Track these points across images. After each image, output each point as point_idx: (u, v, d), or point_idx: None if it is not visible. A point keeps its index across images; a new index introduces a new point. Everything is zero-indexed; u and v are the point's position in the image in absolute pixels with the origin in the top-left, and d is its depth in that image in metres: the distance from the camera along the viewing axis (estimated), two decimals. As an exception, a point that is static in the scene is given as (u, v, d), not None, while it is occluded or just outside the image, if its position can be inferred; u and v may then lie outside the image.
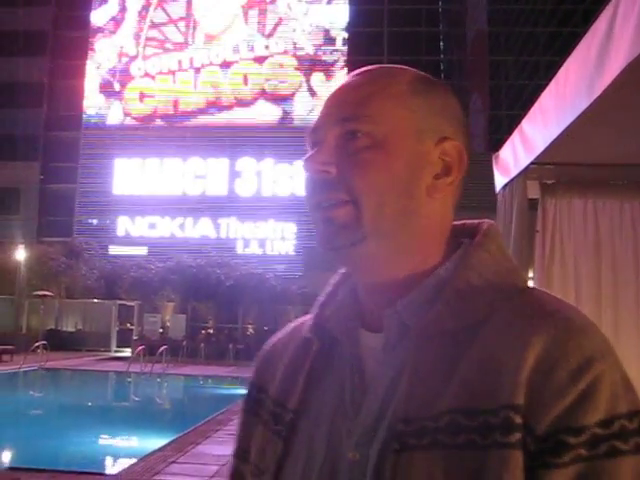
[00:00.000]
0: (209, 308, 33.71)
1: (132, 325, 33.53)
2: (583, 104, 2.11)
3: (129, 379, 21.23)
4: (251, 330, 33.88)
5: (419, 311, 0.78)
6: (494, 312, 0.76)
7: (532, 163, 2.93)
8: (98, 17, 44.35)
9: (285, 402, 0.86)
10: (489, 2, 41.74)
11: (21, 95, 42.87)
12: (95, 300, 33.62)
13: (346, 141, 0.80)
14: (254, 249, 39.19)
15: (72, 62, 43.52)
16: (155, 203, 40.14)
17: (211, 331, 33.80)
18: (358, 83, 0.83)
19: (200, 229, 39.89)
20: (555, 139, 2.53)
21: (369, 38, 42.63)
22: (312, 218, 0.84)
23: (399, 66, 0.87)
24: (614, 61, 1.80)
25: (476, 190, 4.21)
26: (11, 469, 8.04)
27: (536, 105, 2.81)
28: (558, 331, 0.71)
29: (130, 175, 41.15)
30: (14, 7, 43.45)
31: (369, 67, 0.86)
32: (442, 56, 44.33)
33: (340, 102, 0.82)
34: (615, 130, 2.60)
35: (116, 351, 31.70)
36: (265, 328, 32.15)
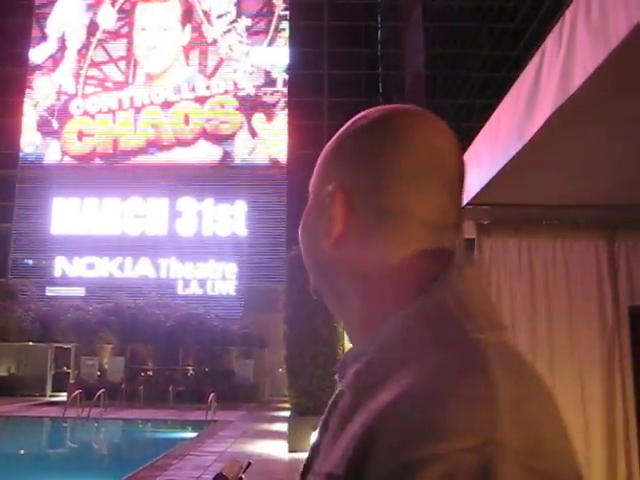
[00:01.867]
0: (149, 350, 33.10)
1: (69, 368, 32.66)
2: (515, 148, 2.20)
3: (65, 425, 20.63)
4: (191, 372, 33.37)
5: (346, 368, 0.77)
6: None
7: (467, 204, 3.02)
8: (37, 54, 43.86)
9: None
10: (427, 46, 42.89)
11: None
12: (30, 343, 32.67)
13: None
14: (194, 289, 38.79)
15: (9, 99, 42.80)
16: (94, 243, 39.44)
17: (151, 373, 33.16)
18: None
19: (139, 269, 39.31)
20: (489, 181, 2.63)
21: (309, 80, 43.23)
22: None
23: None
24: (541, 108, 1.89)
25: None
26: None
27: (470, 148, 2.91)
28: (396, 398, 0.64)
29: (68, 214, 40.41)
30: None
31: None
32: (381, 98, 45.14)
33: None
34: (546, 172, 2.71)
35: (52, 396, 30.82)
36: (206, 369, 31.75)
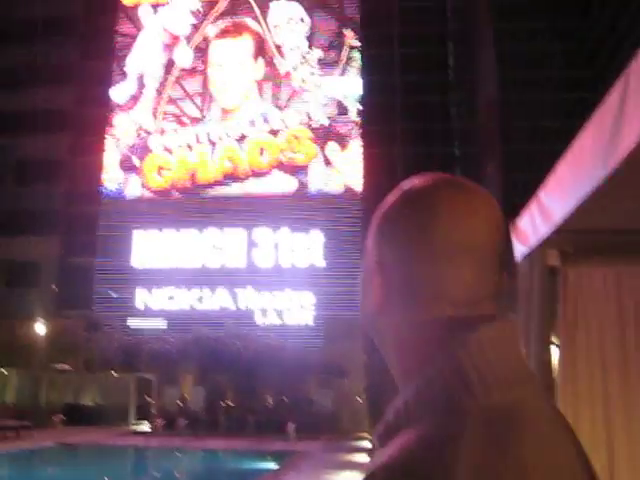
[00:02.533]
0: (228, 380, 33.40)
1: (151, 398, 33.25)
2: (600, 175, 2.13)
3: (148, 454, 20.96)
4: (270, 402, 33.46)
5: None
6: None
7: (551, 233, 2.94)
8: (117, 94, 45.60)
9: None
10: (499, 70, 42.49)
11: (42, 171, 43.82)
12: (114, 373, 33.48)
13: None
14: (273, 319, 39.04)
15: (92, 138, 44.53)
16: (173, 275, 40.35)
17: (230, 403, 33.43)
18: None
19: (218, 300, 39.86)
20: (573, 208, 2.55)
21: (382, 108, 43.30)
22: None
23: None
24: (627, 135, 1.83)
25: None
26: None
27: (552, 174, 2.84)
28: (386, 458, 0.75)
29: (148, 247, 41.53)
30: (37, 87, 44.85)
31: None
32: (454, 123, 44.83)
33: None
34: (635, 198, 2.61)
35: (135, 425, 31.38)
36: (285, 399, 31.79)
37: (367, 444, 19.19)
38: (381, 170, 39.31)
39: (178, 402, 31.86)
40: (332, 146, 42.11)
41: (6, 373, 31.11)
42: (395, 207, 0.89)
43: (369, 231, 0.93)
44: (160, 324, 38.53)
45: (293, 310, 39.15)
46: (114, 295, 41.50)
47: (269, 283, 39.54)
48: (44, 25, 46.77)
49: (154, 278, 40.49)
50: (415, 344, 0.85)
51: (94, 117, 44.78)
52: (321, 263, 40.10)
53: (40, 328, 30.73)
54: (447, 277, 0.83)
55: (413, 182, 0.90)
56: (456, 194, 0.86)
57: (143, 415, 31.73)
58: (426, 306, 0.84)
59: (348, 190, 41.59)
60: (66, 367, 33.36)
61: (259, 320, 38.75)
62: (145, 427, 28.57)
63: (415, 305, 0.85)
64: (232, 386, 33.82)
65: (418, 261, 0.84)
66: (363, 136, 41.92)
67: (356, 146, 42.06)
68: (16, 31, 47.53)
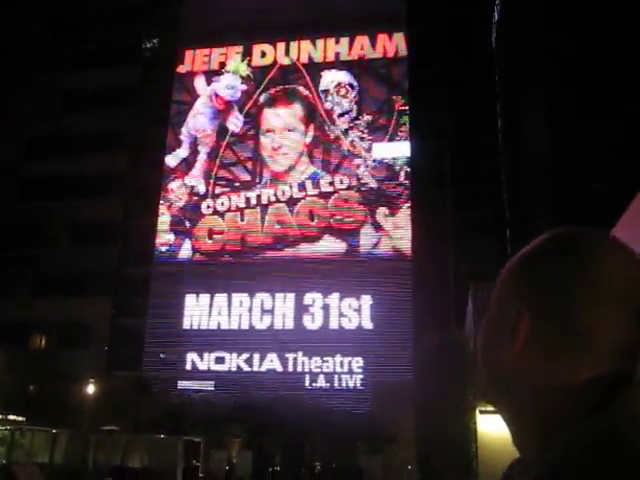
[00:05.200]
0: (276, 445, 32.97)
1: (198, 462, 32.96)
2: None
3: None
4: (319, 468, 32.84)
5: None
6: None
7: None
8: (171, 159, 46.83)
9: None
10: (548, 133, 42.39)
11: (97, 234, 44.90)
12: (162, 435, 33.37)
13: None
14: (321, 383, 38.70)
15: (146, 202, 45.59)
16: (223, 337, 40.52)
17: (278, 469, 32.91)
18: None
19: (267, 363, 39.77)
20: None
21: (431, 172, 43.41)
22: None
23: None
24: None
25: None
26: None
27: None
28: None
29: (199, 310, 41.89)
30: (95, 153, 46.40)
31: None
32: (503, 187, 44.61)
33: None
34: None
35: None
36: (333, 465, 31.18)
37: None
38: (431, 234, 39.22)
39: (225, 467, 31.50)
40: (382, 210, 42.29)
41: (55, 432, 31.21)
42: (549, 253, 0.87)
43: (502, 280, 0.91)
44: (208, 386, 38.51)
45: (342, 374, 38.79)
46: (163, 356, 41.73)
47: (318, 346, 39.34)
48: (104, 94, 48.54)
49: (204, 340, 40.70)
50: (564, 397, 0.81)
51: (149, 182, 45.97)
52: (369, 326, 39.85)
53: (90, 388, 30.95)
54: (601, 325, 0.81)
55: (561, 231, 0.89)
56: (611, 243, 0.86)
57: (190, 479, 31.41)
58: (578, 353, 0.81)
59: (397, 253, 41.51)
60: (114, 428, 33.40)
61: (307, 384, 38.48)
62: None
63: (566, 353, 0.81)
64: (280, 451, 33.36)
65: (576, 309, 0.82)
66: (412, 200, 42.01)
67: (405, 210, 42.15)
68: (77, 100, 49.51)
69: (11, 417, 31.41)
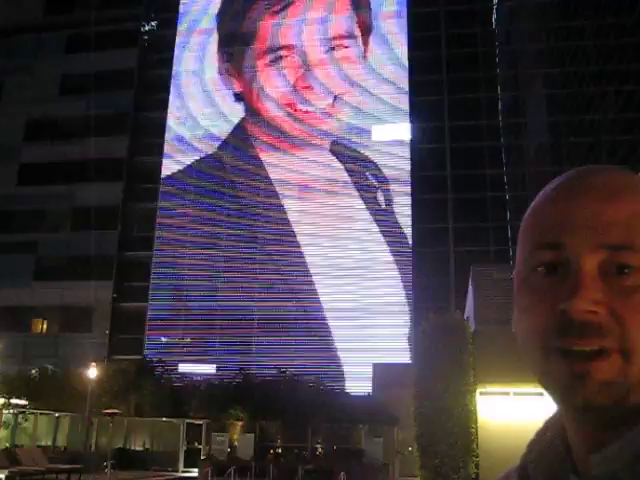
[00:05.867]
0: (278, 427, 33.09)
1: (200, 444, 33.13)
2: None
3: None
4: (320, 450, 32.97)
5: (635, 464, 0.66)
6: None
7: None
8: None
9: None
10: (548, 114, 42.21)
11: (97, 218, 44.86)
12: (164, 418, 33.51)
13: (613, 275, 0.69)
14: (323, 365, 38.85)
15: (145, 185, 45.56)
16: (226, 321, 40.68)
17: (280, 451, 33.05)
18: (616, 195, 0.71)
19: (269, 345, 39.95)
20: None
21: (431, 153, 43.29)
22: (544, 362, 0.72)
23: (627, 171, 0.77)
24: None
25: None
26: None
27: None
28: None
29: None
30: (94, 136, 46.28)
31: (602, 170, 0.76)
32: (505, 169, 44.52)
33: (599, 219, 0.70)
34: None
35: (184, 471, 31.24)
36: (335, 448, 31.29)
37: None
38: (431, 215, 39.30)
39: (227, 449, 31.65)
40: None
41: (57, 415, 31.38)
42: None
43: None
44: (210, 369, 38.64)
45: (344, 357, 38.93)
46: (165, 340, 41.84)
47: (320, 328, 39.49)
48: (103, 77, 48.30)
49: (204, 325, 40.81)
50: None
51: (148, 166, 45.92)
52: (370, 306, 39.92)
53: (92, 372, 31.02)
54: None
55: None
56: (563, 175, 0.80)
57: (192, 461, 31.59)
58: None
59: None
60: (116, 411, 33.53)
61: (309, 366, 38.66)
62: (194, 473, 28.40)
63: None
64: (282, 433, 33.49)
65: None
66: (413, 181, 42.00)
67: (405, 190, 42.19)
68: (75, 83, 49.27)
69: (14, 401, 31.51)
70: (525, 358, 0.74)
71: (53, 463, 24.10)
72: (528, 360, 0.74)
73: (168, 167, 46.57)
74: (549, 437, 0.80)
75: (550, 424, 0.82)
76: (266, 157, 44.78)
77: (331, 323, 39.78)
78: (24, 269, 44.89)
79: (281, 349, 39.62)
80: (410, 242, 40.96)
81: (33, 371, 36.59)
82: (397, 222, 41.73)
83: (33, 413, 30.75)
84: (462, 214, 40.83)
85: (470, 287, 17.19)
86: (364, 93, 44.72)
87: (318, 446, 33.31)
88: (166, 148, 46.96)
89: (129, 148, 47.32)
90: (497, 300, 15.50)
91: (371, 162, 43.26)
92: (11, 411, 30.63)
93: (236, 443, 32.95)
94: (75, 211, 46.17)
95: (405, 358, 32.80)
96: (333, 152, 44.03)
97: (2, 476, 20.78)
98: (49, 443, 31.63)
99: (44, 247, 45.62)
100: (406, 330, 36.50)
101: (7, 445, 26.40)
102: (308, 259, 41.43)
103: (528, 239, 0.76)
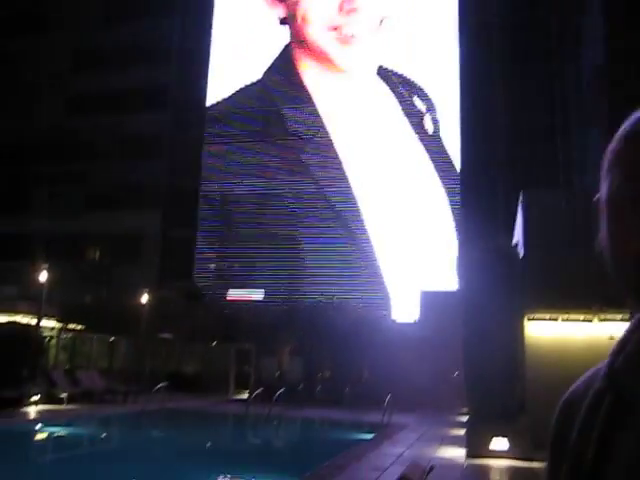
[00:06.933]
0: (326, 351, 33.66)
1: (249, 368, 33.94)
2: None
3: (247, 421, 21.44)
4: (367, 373, 33.51)
5: None
6: None
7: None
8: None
9: (584, 454, 0.79)
10: (604, 37, 40.52)
11: (146, 147, 45.17)
12: (214, 343, 34.32)
13: None
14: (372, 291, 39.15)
15: (191, 115, 45.58)
16: (272, 248, 41.09)
17: (327, 374, 33.69)
18: None
19: (317, 270, 40.30)
20: None
21: (481, 74, 42.06)
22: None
23: None
24: None
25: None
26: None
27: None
28: None
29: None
30: (139, 64, 46.17)
31: None
32: (560, 93, 43.13)
33: None
34: None
35: (234, 394, 32.10)
36: (382, 371, 31.76)
37: (463, 418, 19.01)
38: (480, 138, 38.54)
39: (276, 372, 32.39)
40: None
41: (112, 339, 32.36)
42: None
43: None
44: (258, 295, 39.26)
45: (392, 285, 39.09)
46: (213, 267, 42.51)
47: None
48: (146, 6, 47.87)
49: (254, 251, 41.27)
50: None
51: (195, 94, 45.82)
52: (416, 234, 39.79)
53: (144, 298, 31.77)
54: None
55: None
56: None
57: (242, 384, 32.42)
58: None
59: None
60: (169, 336, 34.46)
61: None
62: (244, 396, 29.18)
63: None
64: (330, 357, 34.06)
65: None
66: (462, 102, 41.06)
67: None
68: (122, 11, 48.90)
69: (71, 326, 32.55)
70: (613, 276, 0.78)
71: (111, 384, 25.05)
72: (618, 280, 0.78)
73: (214, 95, 46.40)
74: (633, 346, 0.80)
75: (632, 332, 0.83)
76: (312, 83, 44.20)
77: (377, 250, 39.83)
78: (75, 199, 45.70)
79: (328, 275, 39.92)
80: (458, 167, 40.43)
81: (88, 297, 37.71)
82: (444, 147, 41.12)
83: (90, 337, 31.76)
84: (512, 138, 39.94)
85: (519, 212, 16.91)
86: (411, 15, 43.51)
87: (365, 370, 33.86)
88: (211, 76, 46.69)
89: (175, 77, 47.15)
90: (547, 226, 15.25)
91: (418, 86, 42.41)
92: (70, 335, 31.66)
93: (284, 366, 33.70)
94: (123, 141, 46.49)
95: (453, 285, 32.74)
96: (380, 76, 43.23)
97: (65, 395, 21.69)
98: (105, 365, 32.74)
99: (94, 177, 46.25)
100: (454, 257, 36.31)
101: (67, 367, 27.39)
102: (354, 185, 41.24)
103: (619, 166, 0.80)
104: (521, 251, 15.97)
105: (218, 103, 46.15)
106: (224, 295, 39.50)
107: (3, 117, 48.13)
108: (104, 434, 19.75)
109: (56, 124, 47.69)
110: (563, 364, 14.29)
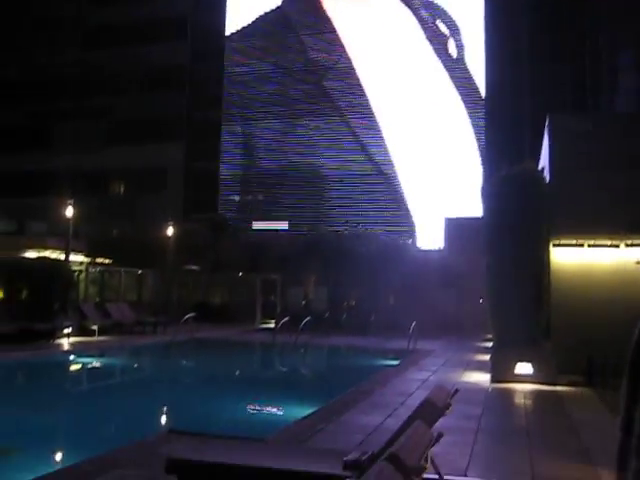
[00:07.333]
0: (351, 280, 33.82)
1: (276, 298, 34.29)
2: None
3: (275, 349, 21.79)
4: (392, 301, 33.72)
5: None
6: None
7: None
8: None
9: None
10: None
11: (167, 79, 44.81)
12: (240, 274, 34.62)
13: None
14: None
15: (211, 45, 44.93)
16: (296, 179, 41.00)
17: (353, 303, 33.96)
18: None
19: (340, 201, 40.24)
20: None
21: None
22: None
23: None
24: None
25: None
26: (171, 431, 8.36)
27: None
28: None
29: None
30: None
31: None
32: (590, 12, 41.68)
33: None
34: None
35: (261, 323, 32.55)
36: (407, 299, 31.95)
37: (488, 344, 19.14)
38: (505, 60, 37.61)
39: (302, 301, 32.71)
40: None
41: (140, 272, 32.77)
42: None
43: None
44: (283, 225, 39.40)
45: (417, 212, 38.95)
46: (237, 199, 42.58)
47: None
48: None
49: (278, 181, 41.22)
50: None
51: (214, 24, 45.05)
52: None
53: (169, 230, 31.97)
54: None
55: None
56: None
57: (268, 314, 32.81)
58: None
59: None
60: (195, 268, 34.81)
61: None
62: (271, 325, 29.57)
63: None
64: (355, 286, 34.25)
65: None
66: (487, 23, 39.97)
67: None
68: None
69: (99, 260, 32.97)
70: None
71: (140, 315, 25.51)
72: None
73: (233, 24, 45.60)
74: None
75: None
76: (332, 8, 43.17)
77: (402, 177, 39.55)
78: (98, 133, 45.71)
79: (352, 204, 39.86)
80: (483, 93, 39.62)
81: (114, 231, 38.08)
82: (469, 72, 40.24)
83: (117, 271, 32.20)
84: (538, 62, 38.89)
85: (546, 137, 16.58)
86: None
87: (390, 297, 34.08)
88: (229, 4, 45.78)
89: (193, 5, 46.29)
90: (574, 151, 14.97)
91: (442, 9, 41.25)
92: (98, 269, 32.13)
93: (310, 295, 34.02)
94: (144, 73, 46.10)
95: (477, 211, 32.49)
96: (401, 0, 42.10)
97: (96, 327, 22.15)
98: (134, 298, 33.27)
99: (116, 110, 46.09)
100: (478, 183, 35.96)
101: (97, 300, 27.87)
102: (377, 112, 40.69)
103: None
104: (547, 176, 15.72)
105: (237, 32, 45.36)
106: (249, 226, 39.70)
107: (23, 54, 47.80)
108: (135, 364, 20.21)
109: (76, 58, 47.31)
110: (589, 290, 14.25)
